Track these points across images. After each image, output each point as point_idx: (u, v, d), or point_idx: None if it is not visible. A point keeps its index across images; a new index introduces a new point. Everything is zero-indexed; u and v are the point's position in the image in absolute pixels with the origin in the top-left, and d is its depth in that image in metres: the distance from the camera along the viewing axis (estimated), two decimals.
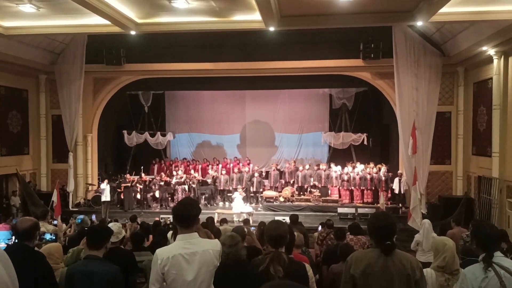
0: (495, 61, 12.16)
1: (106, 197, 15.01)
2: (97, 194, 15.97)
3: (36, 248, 4.05)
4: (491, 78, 12.54)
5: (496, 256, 3.13)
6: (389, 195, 16.05)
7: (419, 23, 11.51)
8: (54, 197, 13.25)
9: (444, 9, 9.91)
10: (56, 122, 16.60)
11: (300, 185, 16.88)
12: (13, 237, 5.30)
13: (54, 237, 6.28)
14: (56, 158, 16.89)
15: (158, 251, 3.24)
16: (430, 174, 14.60)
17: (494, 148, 12.27)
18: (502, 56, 11.96)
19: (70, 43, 15.85)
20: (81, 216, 9.96)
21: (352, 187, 16.30)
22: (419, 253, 8.16)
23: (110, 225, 5.23)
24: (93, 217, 12.69)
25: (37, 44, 14.91)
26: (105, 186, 15.08)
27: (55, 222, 10.55)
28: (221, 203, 16.96)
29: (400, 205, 15.49)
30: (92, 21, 11.60)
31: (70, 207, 15.76)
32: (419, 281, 2.99)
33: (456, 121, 15.08)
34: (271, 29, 11.74)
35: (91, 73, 16.40)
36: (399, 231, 10.89)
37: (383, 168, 16.28)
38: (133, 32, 12.26)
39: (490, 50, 12.27)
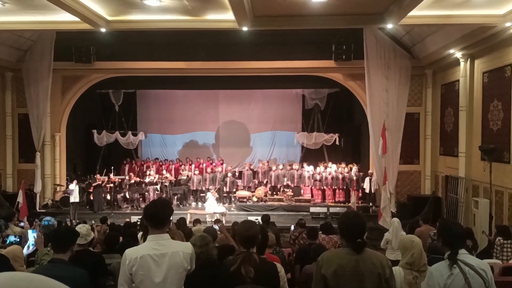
0: (462, 63, 12.53)
1: (75, 198, 14.59)
2: (66, 195, 15.54)
3: None
4: (458, 80, 12.91)
5: (461, 254, 3.22)
6: (360, 194, 16.32)
7: (389, 26, 11.71)
8: (20, 198, 12.84)
9: (413, 12, 10.13)
10: (23, 121, 16.06)
11: (273, 185, 16.93)
12: None
13: (18, 240, 6.07)
14: (23, 158, 16.34)
15: (127, 251, 3.19)
16: (399, 173, 14.90)
17: (460, 148, 12.64)
18: (469, 59, 12.31)
19: (37, 40, 15.36)
20: (48, 218, 9.66)
21: (324, 187, 16.47)
22: (389, 251, 8.31)
23: (78, 226, 5.10)
24: (67, 219, 12.32)
25: (3, 41, 14.38)
26: (74, 186, 14.67)
27: (22, 224, 10.22)
28: (193, 204, 16.83)
29: (370, 204, 15.78)
30: (61, 18, 11.27)
31: (37, 208, 15.31)
32: (389, 279, 3.04)
33: (425, 122, 15.45)
34: (244, 29, 11.72)
35: (60, 71, 15.94)
36: (369, 229, 11.07)
37: (354, 168, 16.53)
38: (103, 30, 12.00)
39: (457, 53, 12.63)
